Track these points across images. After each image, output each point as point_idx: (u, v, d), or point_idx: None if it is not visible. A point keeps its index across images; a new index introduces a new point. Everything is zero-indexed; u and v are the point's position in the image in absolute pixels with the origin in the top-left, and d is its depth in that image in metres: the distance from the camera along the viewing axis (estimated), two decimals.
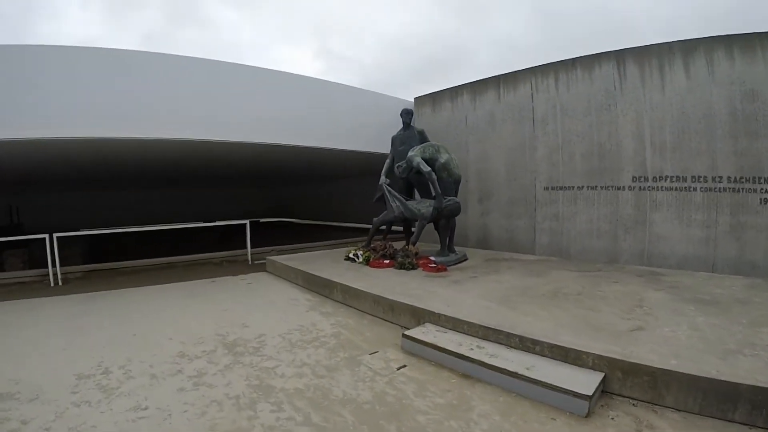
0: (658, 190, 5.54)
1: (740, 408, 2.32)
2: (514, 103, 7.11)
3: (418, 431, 2.39)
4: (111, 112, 5.85)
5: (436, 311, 3.88)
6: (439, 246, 6.81)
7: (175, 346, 3.78)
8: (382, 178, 6.89)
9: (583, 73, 6.21)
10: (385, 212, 6.76)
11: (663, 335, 3.16)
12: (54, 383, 3.02)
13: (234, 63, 7.02)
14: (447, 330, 3.69)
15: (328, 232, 14.46)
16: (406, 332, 3.68)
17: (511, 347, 3.27)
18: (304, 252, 8.36)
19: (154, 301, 5.39)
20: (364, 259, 6.34)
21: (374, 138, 8.68)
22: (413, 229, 6.54)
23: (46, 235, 6.38)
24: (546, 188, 6.70)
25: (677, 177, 5.38)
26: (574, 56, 6.38)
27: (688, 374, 2.50)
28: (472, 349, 3.28)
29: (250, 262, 8.16)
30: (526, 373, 2.84)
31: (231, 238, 10.14)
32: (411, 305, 4.13)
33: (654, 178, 5.57)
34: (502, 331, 3.38)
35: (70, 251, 7.69)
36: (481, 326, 3.51)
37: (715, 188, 5.12)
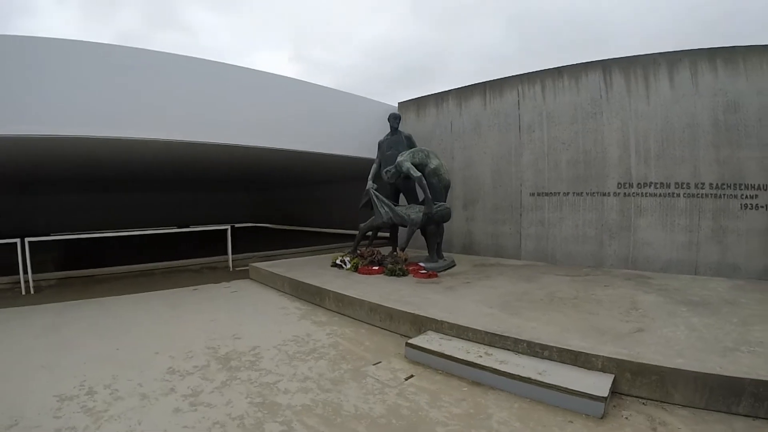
0: (642, 196, 5.71)
1: (744, 401, 2.45)
2: (500, 110, 7.19)
3: None
4: (86, 110, 5.46)
5: (439, 319, 3.79)
6: (425, 252, 6.77)
7: (163, 361, 3.51)
8: (369, 183, 6.76)
9: (569, 82, 6.35)
10: (372, 218, 6.64)
11: (663, 336, 3.23)
12: (34, 406, 2.70)
13: (216, 62, 6.74)
14: (451, 338, 3.61)
15: (308, 237, 14.17)
16: (410, 341, 3.57)
17: (519, 353, 3.23)
18: (286, 258, 8.10)
19: (135, 312, 5.06)
20: (352, 266, 6.19)
21: (357, 142, 8.60)
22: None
23: (18, 240, 5.91)
24: (532, 194, 6.79)
25: (661, 184, 5.56)
26: (556, 66, 6.53)
27: (695, 372, 2.60)
28: (480, 356, 3.21)
29: (231, 269, 7.83)
30: (539, 378, 2.82)
31: (206, 245, 9.73)
32: (411, 313, 4.02)
33: (639, 184, 5.73)
34: (509, 337, 3.33)
35: (42, 257, 7.17)
36: (487, 333, 3.45)
37: (698, 194, 5.32)
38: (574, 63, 6.33)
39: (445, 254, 6.56)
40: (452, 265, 6.25)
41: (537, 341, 3.19)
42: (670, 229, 5.51)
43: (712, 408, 2.52)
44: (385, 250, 6.74)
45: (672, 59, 5.55)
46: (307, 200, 18.51)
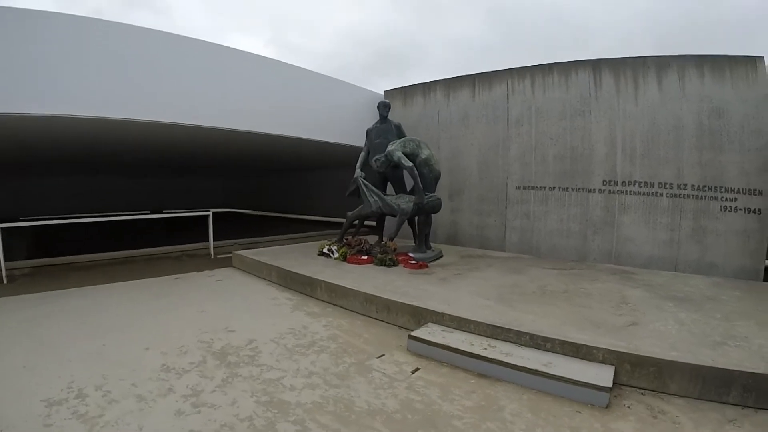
0: (626, 194, 5.89)
1: (734, 391, 2.62)
2: (489, 103, 7.20)
3: None
4: (56, 86, 4.99)
5: (440, 311, 3.78)
6: (411, 242, 6.76)
7: (155, 357, 3.29)
8: (357, 171, 6.63)
9: (559, 78, 6.42)
10: (360, 206, 6.53)
11: (656, 329, 3.36)
12: (20, 413, 2.46)
13: (199, 40, 6.34)
14: (453, 330, 3.61)
15: (287, 224, 13.87)
16: (413, 333, 3.54)
17: (522, 345, 3.28)
18: (268, 246, 7.86)
19: (117, 302, 4.76)
20: (341, 255, 6.08)
21: (339, 128, 8.41)
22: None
23: None
24: (518, 187, 6.87)
25: (645, 182, 5.75)
26: (546, 62, 6.59)
27: (689, 363, 2.75)
28: (485, 348, 3.23)
29: (212, 257, 7.53)
30: (545, 370, 2.88)
31: (182, 231, 9.30)
32: (411, 305, 3.99)
33: (623, 182, 5.90)
34: (511, 329, 3.36)
35: (13, 243, 6.57)
36: (489, 325, 3.47)
37: (680, 195, 5.53)
38: (564, 60, 6.40)
39: (432, 245, 6.56)
40: (440, 255, 6.26)
41: (539, 334, 3.24)
42: (652, 226, 5.72)
43: (705, 398, 2.68)
44: (370, 239, 6.66)
45: (661, 63, 5.70)
46: (286, 187, 18.07)
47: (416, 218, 6.33)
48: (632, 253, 5.86)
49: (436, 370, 3.14)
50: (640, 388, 2.84)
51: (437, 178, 6.27)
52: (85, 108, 5.23)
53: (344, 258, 6.01)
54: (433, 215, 6.32)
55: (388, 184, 6.90)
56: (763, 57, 5.18)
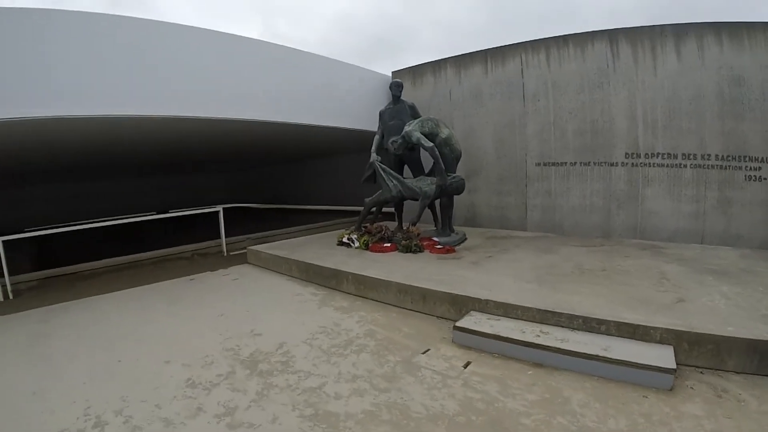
0: (650, 166, 5.78)
1: None
2: (502, 79, 6.98)
3: None
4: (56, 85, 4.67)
5: (483, 298, 3.67)
6: (431, 226, 6.61)
7: (178, 371, 3.01)
8: (373, 155, 6.41)
9: (575, 51, 6.21)
10: (379, 192, 6.33)
11: (704, 305, 3.30)
12: None
13: (204, 29, 5.98)
14: (499, 317, 3.51)
15: (296, 216, 13.57)
16: (458, 324, 3.43)
17: (575, 329, 3.19)
18: (282, 239, 7.67)
19: (130, 311, 4.48)
20: (362, 244, 5.93)
21: (347, 113, 8.11)
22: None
23: None
24: (537, 164, 6.73)
25: (668, 154, 5.64)
26: (561, 34, 6.36)
27: (746, 339, 2.71)
28: (538, 335, 3.13)
29: (225, 254, 7.33)
30: (606, 354, 2.80)
31: (191, 230, 9.05)
32: (449, 293, 3.88)
33: (646, 155, 5.79)
34: (563, 313, 3.27)
35: (17, 256, 6.35)
36: (538, 310, 3.37)
37: (704, 165, 5.43)
38: (580, 32, 6.19)
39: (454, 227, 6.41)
40: (465, 238, 6.13)
41: (593, 316, 3.16)
42: (677, 199, 5.64)
43: (762, 372, 2.64)
44: (390, 226, 6.51)
45: (678, 32, 5.53)
46: (293, 178, 17.61)
47: (437, 201, 6.16)
48: (657, 226, 5.79)
49: (489, 363, 3.02)
50: (698, 367, 2.78)
51: (458, 158, 6.10)
52: (90, 107, 4.94)
53: (366, 246, 5.86)
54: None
55: (404, 167, 6.69)
56: None
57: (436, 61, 7.87)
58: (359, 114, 8.19)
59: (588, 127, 6.19)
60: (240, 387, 2.74)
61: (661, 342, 2.89)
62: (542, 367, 2.91)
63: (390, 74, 8.64)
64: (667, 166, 5.66)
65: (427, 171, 6.34)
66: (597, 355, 2.80)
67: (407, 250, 5.50)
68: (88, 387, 2.82)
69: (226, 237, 7.52)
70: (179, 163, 14.41)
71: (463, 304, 3.75)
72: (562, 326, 3.24)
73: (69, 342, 3.70)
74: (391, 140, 6.08)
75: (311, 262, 5.40)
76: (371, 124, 7.27)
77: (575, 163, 6.35)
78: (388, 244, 5.76)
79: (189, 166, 15.82)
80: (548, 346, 2.98)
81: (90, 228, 6.60)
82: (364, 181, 6.60)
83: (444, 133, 5.88)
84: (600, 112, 6.08)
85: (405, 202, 6.55)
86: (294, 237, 8.00)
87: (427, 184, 5.87)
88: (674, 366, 2.60)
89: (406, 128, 5.85)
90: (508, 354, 3.10)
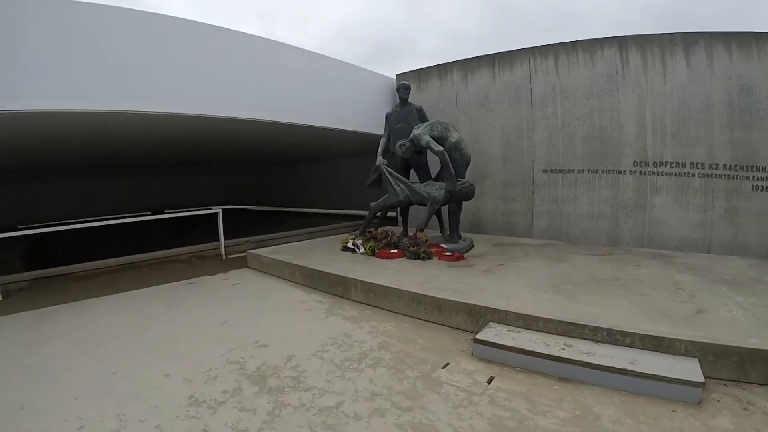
0: (658, 175, 5.77)
1: None
2: (510, 84, 6.94)
3: None
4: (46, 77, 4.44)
5: (501, 308, 3.56)
6: (435, 232, 6.51)
7: (178, 386, 2.79)
8: (379, 158, 6.30)
9: (584, 57, 6.20)
10: (385, 196, 6.21)
11: (723, 316, 3.26)
12: None
13: (206, 24, 5.79)
14: (519, 329, 3.41)
15: (294, 219, 13.37)
16: (478, 336, 3.32)
17: (599, 342, 3.12)
18: (281, 242, 7.52)
19: (126, 317, 4.27)
20: (368, 250, 5.80)
21: (353, 116, 7.96)
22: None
23: None
24: (545, 171, 6.69)
25: (677, 163, 5.63)
26: (570, 40, 6.35)
27: None
28: (563, 348, 3.05)
29: (224, 257, 7.14)
30: (633, 368, 2.72)
31: (186, 231, 8.80)
32: (466, 303, 3.77)
33: (655, 163, 5.78)
34: (587, 325, 3.19)
35: (7, 255, 6.10)
36: (561, 322, 3.29)
37: (712, 174, 5.43)
38: (589, 38, 6.18)
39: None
40: (472, 245, 6.04)
41: (617, 328, 3.08)
42: (684, 208, 5.63)
43: None
44: (394, 231, 6.39)
45: (688, 40, 5.54)
46: (295, 180, 17.33)
47: (444, 206, 6.05)
48: (665, 235, 5.78)
49: (513, 377, 2.92)
50: (722, 380, 2.74)
51: (468, 162, 6.00)
52: (87, 101, 4.72)
53: (372, 252, 5.74)
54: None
55: (411, 171, 6.58)
56: None
57: (442, 64, 7.81)
58: (362, 116, 8.06)
59: (596, 134, 6.17)
60: (249, 406, 2.53)
61: (686, 354, 2.83)
62: (568, 382, 2.83)
63: (394, 77, 8.54)
64: (676, 174, 5.65)
65: (434, 175, 6.26)
66: (625, 369, 2.72)
67: (415, 256, 5.39)
68: (82, 403, 2.60)
69: (226, 240, 7.31)
70: (180, 165, 14.12)
71: (480, 315, 3.65)
72: (586, 338, 3.16)
73: (61, 350, 3.48)
74: (398, 143, 5.97)
75: (316, 267, 5.25)
76: (374, 127, 7.16)
77: (583, 170, 6.32)
78: (395, 251, 5.64)
79: (191, 167, 15.52)
80: (574, 360, 2.89)
81: (84, 228, 6.36)
82: (369, 185, 6.48)
83: (454, 137, 5.79)
84: (608, 119, 6.06)
85: (410, 207, 6.45)
86: (295, 241, 7.85)
87: (435, 189, 5.76)
88: (702, 379, 2.55)
89: (415, 131, 5.75)
90: (532, 368, 3.00)
